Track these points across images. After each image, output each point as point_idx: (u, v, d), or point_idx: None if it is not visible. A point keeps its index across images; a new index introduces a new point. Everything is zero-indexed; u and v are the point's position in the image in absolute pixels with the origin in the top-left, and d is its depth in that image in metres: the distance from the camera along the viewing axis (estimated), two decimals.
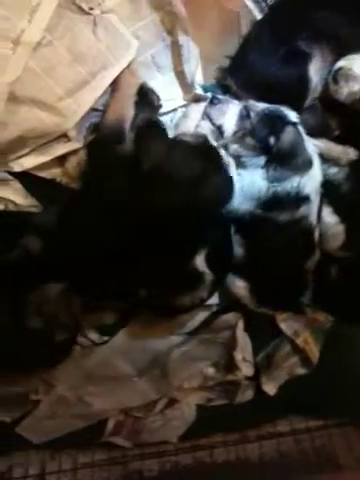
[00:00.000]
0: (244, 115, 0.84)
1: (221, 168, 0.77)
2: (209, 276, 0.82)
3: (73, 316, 0.81)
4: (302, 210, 0.86)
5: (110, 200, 0.75)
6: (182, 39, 0.82)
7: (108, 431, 1.07)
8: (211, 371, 1.10)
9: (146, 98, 0.82)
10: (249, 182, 0.83)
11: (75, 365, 1.02)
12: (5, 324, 0.77)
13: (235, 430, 1.12)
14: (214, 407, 1.11)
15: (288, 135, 0.81)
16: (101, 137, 0.82)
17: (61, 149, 0.79)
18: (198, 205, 0.74)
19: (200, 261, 0.80)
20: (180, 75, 0.84)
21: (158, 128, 0.81)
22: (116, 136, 0.81)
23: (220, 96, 0.89)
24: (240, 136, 0.84)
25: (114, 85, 0.81)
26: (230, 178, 0.79)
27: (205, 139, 0.78)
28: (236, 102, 0.87)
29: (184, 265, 0.79)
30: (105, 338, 1.00)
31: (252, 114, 0.83)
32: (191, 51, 0.83)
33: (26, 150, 0.78)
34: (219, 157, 0.77)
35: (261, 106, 0.86)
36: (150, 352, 1.04)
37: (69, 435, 1.07)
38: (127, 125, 0.81)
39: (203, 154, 0.76)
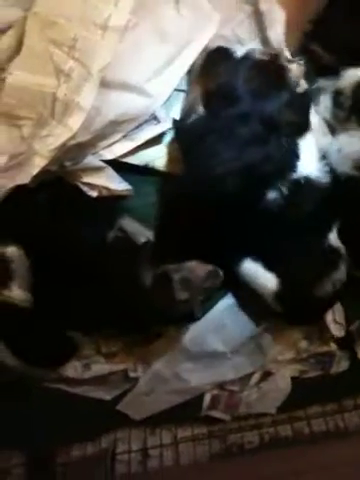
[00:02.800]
0: None
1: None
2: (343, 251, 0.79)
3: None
4: None
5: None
6: (264, 6, 0.78)
7: (205, 405, 1.07)
8: (304, 343, 1.07)
9: None
10: (347, 143, 0.79)
11: (170, 342, 1.02)
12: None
13: (332, 400, 1.10)
14: (309, 379, 1.08)
15: None
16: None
17: (151, 132, 0.78)
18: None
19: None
20: (265, 42, 0.80)
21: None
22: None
23: None
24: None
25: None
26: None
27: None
28: None
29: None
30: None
31: None
32: (275, 16, 0.78)
33: (117, 136, 0.78)
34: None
35: None
36: (243, 328, 1.03)
37: (167, 411, 1.08)
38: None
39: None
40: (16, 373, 0.95)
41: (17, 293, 0.87)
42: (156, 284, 0.83)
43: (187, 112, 0.78)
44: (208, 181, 0.75)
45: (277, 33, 0.81)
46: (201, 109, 0.75)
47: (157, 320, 0.86)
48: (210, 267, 0.80)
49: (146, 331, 0.95)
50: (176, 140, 0.80)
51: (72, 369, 1.05)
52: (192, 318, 0.91)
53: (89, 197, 0.85)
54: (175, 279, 0.82)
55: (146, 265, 0.84)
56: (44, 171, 0.77)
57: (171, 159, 0.82)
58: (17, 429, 1.04)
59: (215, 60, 0.77)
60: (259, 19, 0.81)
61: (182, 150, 0.78)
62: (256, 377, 1.13)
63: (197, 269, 0.80)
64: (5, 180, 0.74)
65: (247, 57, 0.77)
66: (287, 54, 0.83)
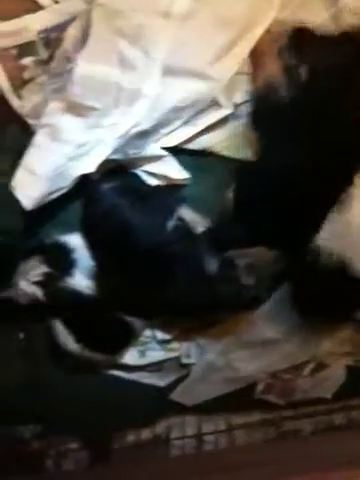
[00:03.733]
0: None
1: None
2: None
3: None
4: None
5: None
6: None
7: (259, 391, 1.06)
8: None
9: None
10: None
11: (224, 330, 1.02)
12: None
13: None
14: None
15: None
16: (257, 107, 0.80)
17: (212, 117, 0.78)
18: None
19: None
20: (336, 17, 0.78)
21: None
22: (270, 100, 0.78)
23: None
24: None
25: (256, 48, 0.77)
26: None
27: None
28: None
29: None
30: None
31: None
32: None
33: (178, 123, 0.78)
34: None
35: None
36: (296, 317, 1.02)
37: (222, 397, 1.07)
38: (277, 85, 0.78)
39: None
40: (76, 358, 0.97)
41: (79, 280, 0.89)
42: (221, 270, 0.83)
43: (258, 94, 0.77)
44: (289, 167, 0.74)
45: None
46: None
47: (222, 307, 0.86)
48: (276, 253, 0.80)
49: (206, 318, 0.95)
50: (252, 123, 0.79)
51: (129, 355, 1.06)
52: (257, 305, 0.90)
53: (149, 186, 0.85)
54: (240, 265, 0.82)
55: (209, 252, 0.84)
56: (107, 160, 0.78)
57: (234, 144, 0.81)
58: (74, 414, 1.05)
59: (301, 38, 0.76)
60: None
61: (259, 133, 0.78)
62: (310, 367, 1.11)
63: (263, 254, 0.80)
64: (72, 169, 0.75)
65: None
66: None
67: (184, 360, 1.08)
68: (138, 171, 0.83)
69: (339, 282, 0.82)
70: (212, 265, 0.85)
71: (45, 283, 0.89)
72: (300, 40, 0.79)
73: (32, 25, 0.73)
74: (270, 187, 0.77)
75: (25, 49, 0.75)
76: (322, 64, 0.78)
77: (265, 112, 0.78)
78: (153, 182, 0.84)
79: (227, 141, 0.81)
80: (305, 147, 0.74)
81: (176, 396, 1.10)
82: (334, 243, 0.79)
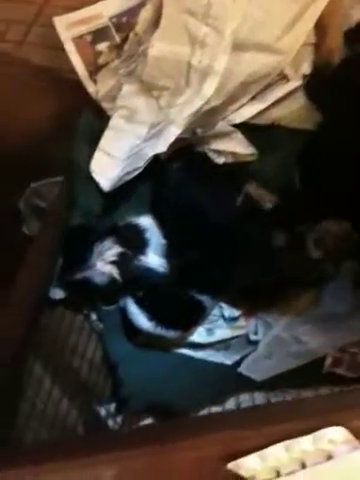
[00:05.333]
0: None
1: None
2: None
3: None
4: None
5: None
6: None
7: (328, 365, 1.04)
8: None
9: None
10: None
11: (289, 305, 1.01)
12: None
13: None
14: None
15: None
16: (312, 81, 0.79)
17: (281, 91, 0.77)
18: None
19: None
20: None
21: None
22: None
23: None
24: None
25: (321, 21, 0.76)
26: None
27: None
28: None
29: None
30: None
31: None
32: None
33: (246, 98, 0.77)
34: None
35: None
36: None
37: (289, 372, 1.06)
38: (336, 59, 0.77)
39: None
40: (148, 336, 0.97)
41: (153, 258, 0.89)
42: (290, 244, 0.82)
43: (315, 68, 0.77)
44: (346, 139, 0.73)
45: None
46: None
47: (290, 281, 0.84)
48: (346, 226, 0.78)
49: (274, 295, 0.94)
50: (308, 96, 0.78)
51: (197, 333, 1.05)
52: (325, 279, 0.89)
53: (217, 164, 0.85)
54: (309, 239, 0.81)
55: (278, 227, 0.84)
56: (177, 140, 0.78)
57: (302, 116, 0.80)
58: (146, 392, 1.05)
59: None
60: None
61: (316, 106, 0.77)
62: None
63: (332, 228, 0.78)
64: (147, 149, 0.76)
65: None
66: None
67: (252, 337, 1.07)
68: (205, 149, 0.83)
69: None
70: (280, 239, 0.84)
71: (120, 262, 0.90)
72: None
73: (104, 11, 0.74)
74: (331, 158, 0.76)
75: (99, 35, 0.76)
76: None
77: (319, 86, 0.77)
78: (220, 160, 0.83)
79: (295, 113, 0.80)
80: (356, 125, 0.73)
81: (244, 369, 1.09)
82: None
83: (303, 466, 0.33)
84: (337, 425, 0.33)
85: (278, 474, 0.33)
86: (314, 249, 0.81)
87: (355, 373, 1.07)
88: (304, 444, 0.33)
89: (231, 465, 0.33)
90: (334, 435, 0.34)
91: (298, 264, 0.81)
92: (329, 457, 0.33)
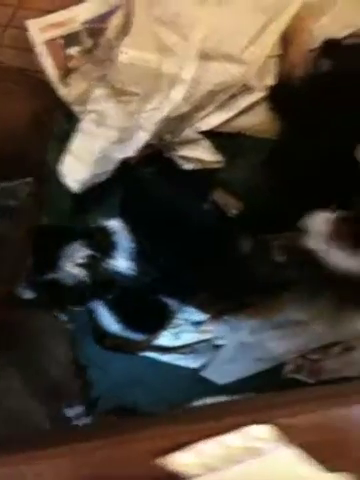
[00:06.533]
0: None
1: None
2: None
3: None
4: None
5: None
6: None
7: (289, 370, 1.04)
8: None
9: None
10: None
11: (255, 310, 1.01)
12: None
13: None
14: None
15: None
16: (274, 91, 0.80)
17: (246, 101, 0.77)
18: None
19: None
20: None
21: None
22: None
23: None
24: None
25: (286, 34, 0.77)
26: None
27: None
28: None
29: None
30: None
31: None
32: None
33: (213, 107, 0.78)
34: None
35: None
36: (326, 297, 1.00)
37: (251, 377, 1.06)
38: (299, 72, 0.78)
39: None
40: (116, 339, 0.96)
41: (121, 262, 0.89)
42: (255, 250, 0.82)
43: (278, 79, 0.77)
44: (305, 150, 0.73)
45: None
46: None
47: (256, 287, 0.84)
48: None
49: (242, 299, 0.93)
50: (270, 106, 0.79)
51: (164, 337, 1.05)
52: (290, 284, 0.89)
53: (184, 170, 0.85)
54: (274, 245, 0.81)
55: (243, 234, 0.84)
56: (146, 145, 0.78)
57: (267, 126, 0.80)
58: (113, 394, 1.04)
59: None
60: None
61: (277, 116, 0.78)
62: (337, 349, 1.09)
63: (296, 237, 0.79)
64: (116, 153, 0.76)
65: None
66: None
67: (217, 342, 1.07)
68: (173, 155, 0.83)
69: None
70: (246, 246, 0.84)
71: (88, 265, 0.89)
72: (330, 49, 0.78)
73: (77, 16, 0.74)
74: (294, 167, 0.77)
75: (71, 39, 0.76)
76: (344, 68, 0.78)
77: (283, 97, 0.78)
78: (188, 166, 0.83)
79: (260, 123, 0.80)
80: (318, 135, 0.74)
81: (207, 374, 1.09)
82: None
83: (233, 462, 0.33)
84: (266, 423, 0.33)
85: (210, 469, 0.32)
86: (278, 255, 0.80)
87: (315, 379, 1.08)
88: (233, 441, 0.33)
89: (163, 460, 0.33)
90: (262, 432, 0.33)
91: (262, 270, 0.80)
92: (258, 454, 0.33)
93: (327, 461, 0.33)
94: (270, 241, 0.81)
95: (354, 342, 1.08)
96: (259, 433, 0.33)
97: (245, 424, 0.32)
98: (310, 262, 0.89)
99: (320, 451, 0.33)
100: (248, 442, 0.32)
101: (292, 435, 0.33)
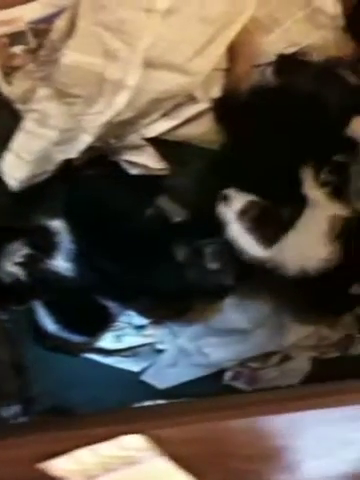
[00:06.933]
0: None
1: None
2: None
3: None
4: None
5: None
6: None
7: (227, 378, 1.06)
8: (327, 332, 1.05)
9: None
10: None
11: (195, 317, 1.02)
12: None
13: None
14: (328, 360, 1.06)
15: None
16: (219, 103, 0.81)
17: (190, 111, 0.78)
18: None
19: None
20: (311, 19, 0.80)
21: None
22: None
23: None
24: None
25: (233, 47, 0.78)
26: None
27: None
28: None
29: None
30: None
31: None
32: None
33: (157, 115, 0.78)
34: None
35: None
36: (267, 307, 1.02)
37: (191, 382, 1.07)
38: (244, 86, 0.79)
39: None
40: (55, 338, 0.96)
41: (61, 263, 0.88)
42: (188, 257, 0.83)
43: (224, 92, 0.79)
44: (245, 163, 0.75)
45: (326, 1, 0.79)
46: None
47: (192, 293, 0.85)
48: None
49: (181, 305, 0.94)
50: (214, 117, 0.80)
51: (105, 339, 1.05)
52: (224, 291, 0.90)
53: (130, 174, 0.85)
54: (207, 252, 0.82)
55: (180, 241, 0.85)
56: (90, 148, 0.78)
57: (212, 137, 0.82)
58: (52, 395, 1.04)
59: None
60: None
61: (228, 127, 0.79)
62: (276, 358, 1.11)
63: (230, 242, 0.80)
64: (56, 154, 0.76)
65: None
66: None
67: (158, 346, 1.08)
68: (119, 159, 0.83)
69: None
70: (182, 253, 0.85)
71: (27, 264, 0.88)
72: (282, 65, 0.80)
73: (23, 15, 0.74)
74: (236, 178, 0.78)
75: (16, 38, 0.75)
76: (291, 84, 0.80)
77: (227, 110, 0.80)
78: (133, 171, 0.84)
79: (206, 134, 0.82)
80: (259, 150, 0.76)
81: (148, 377, 1.09)
82: None
83: (109, 470, 0.33)
84: (139, 433, 0.34)
85: (88, 477, 0.33)
86: (210, 261, 0.82)
87: (252, 387, 1.10)
88: (108, 449, 0.34)
89: (42, 465, 0.33)
90: (135, 442, 0.34)
91: (196, 276, 0.82)
92: (131, 463, 0.33)
93: (202, 473, 0.34)
94: (204, 247, 0.82)
95: (293, 352, 1.11)
96: (133, 443, 0.33)
97: (120, 433, 0.33)
98: (245, 268, 0.90)
99: (195, 462, 0.33)
100: (123, 451, 0.32)
101: (167, 446, 0.34)
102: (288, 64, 0.82)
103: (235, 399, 0.48)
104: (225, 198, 0.79)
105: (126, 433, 0.33)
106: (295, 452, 0.45)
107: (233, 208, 0.79)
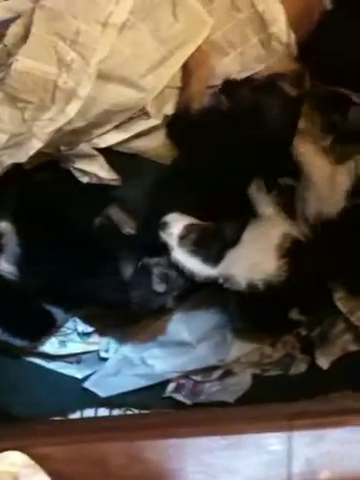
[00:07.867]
0: None
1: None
2: None
3: None
4: None
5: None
6: (261, 7, 0.80)
7: (170, 390, 1.06)
8: (269, 350, 1.07)
9: None
10: None
11: (141, 328, 1.03)
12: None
13: (289, 400, 1.10)
14: (269, 377, 1.08)
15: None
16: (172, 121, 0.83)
17: (141, 126, 0.80)
18: None
19: None
20: (265, 43, 0.81)
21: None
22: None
23: None
24: None
25: (187, 67, 0.80)
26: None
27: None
28: None
29: None
30: None
31: None
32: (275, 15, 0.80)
33: (110, 126, 0.79)
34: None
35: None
36: (211, 321, 1.03)
37: (134, 392, 1.07)
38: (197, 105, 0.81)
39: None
40: None
41: (4, 266, 0.88)
42: (135, 276, 0.84)
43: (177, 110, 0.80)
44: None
45: (280, 29, 0.80)
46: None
47: (133, 311, 0.86)
48: None
49: (125, 316, 0.95)
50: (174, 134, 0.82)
51: (49, 344, 1.04)
52: (165, 312, 0.91)
53: (81, 182, 0.86)
54: (154, 273, 0.83)
55: (127, 256, 0.85)
56: (41, 153, 0.78)
57: (164, 152, 0.83)
58: None
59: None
60: (257, 21, 0.81)
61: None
62: (218, 373, 1.13)
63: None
64: (4, 157, 0.76)
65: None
66: None
67: (103, 354, 1.08)
68: (70, 166, 0.83)
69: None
70: (128, 269, 0.86)
71: None
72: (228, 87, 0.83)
73: None
74: (183, 196, 0.80)
75: None
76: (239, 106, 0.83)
77: (179, 127, 0.82)
78: (84, 179, 0.84)
79: (158, 148, 0.83)
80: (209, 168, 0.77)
81: (90, 385, 1.09)
82: None
83: None
84: (22, 450, 0.34)
85: None
86: (157, 283, 0.83)
87: (193, 401, 1.11)
88: None
89: None
90: (14, 458, 0.35)
91: (140, 295, 0.82)
92: (15, 478, 0.34)
93: None
94: (151, 267, 0.83)
95: (235, 367, 1.12)
96: (14, 459, 0.34)
97: (7, 449, 0.33)
98: (191, 288, 0.92)
99: None
100: (4, 467, 0.33)
101: (50, 464, 0.34)
102: (233, 86, 0.84)
103: (118, 421, 0.49)
104: (164, 225, 0.80)
105: (13, 449, 0.33)
106: (179, 478, 0.45)
107: (173, 234, 0.80)
